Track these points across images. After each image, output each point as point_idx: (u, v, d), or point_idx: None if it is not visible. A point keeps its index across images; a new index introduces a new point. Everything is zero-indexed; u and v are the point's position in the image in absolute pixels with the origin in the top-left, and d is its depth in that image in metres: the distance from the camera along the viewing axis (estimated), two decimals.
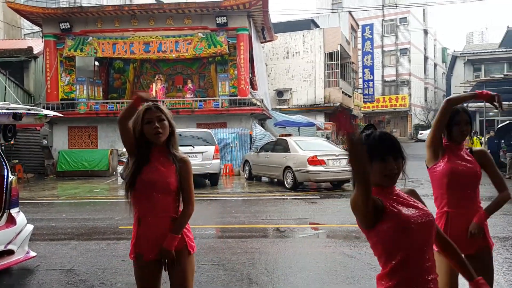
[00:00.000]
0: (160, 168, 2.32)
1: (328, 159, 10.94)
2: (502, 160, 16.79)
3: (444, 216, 2.59)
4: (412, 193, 1.79)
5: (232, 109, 17.43)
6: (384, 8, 40.71)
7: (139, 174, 2.30)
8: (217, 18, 17.33)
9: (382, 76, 42.71)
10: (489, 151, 16.82)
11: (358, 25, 34.53)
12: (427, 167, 2.70)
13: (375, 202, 1.59)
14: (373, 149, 1.64)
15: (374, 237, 1.64)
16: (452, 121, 2.59)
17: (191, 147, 12.31)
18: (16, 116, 4.84)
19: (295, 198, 10.18)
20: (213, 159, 12.63)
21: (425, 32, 46.99)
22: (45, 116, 5.37)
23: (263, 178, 14.09)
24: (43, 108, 15.55)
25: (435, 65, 51.54)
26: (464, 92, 23.56)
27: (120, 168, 15.27)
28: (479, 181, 2.59)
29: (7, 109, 4.77)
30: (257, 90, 19.19)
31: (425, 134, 30.30)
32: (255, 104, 17.71)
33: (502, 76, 18.52)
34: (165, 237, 2.29)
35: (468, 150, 2.67)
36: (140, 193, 2.32)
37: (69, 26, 17.84)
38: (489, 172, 2.64)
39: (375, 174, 1.65)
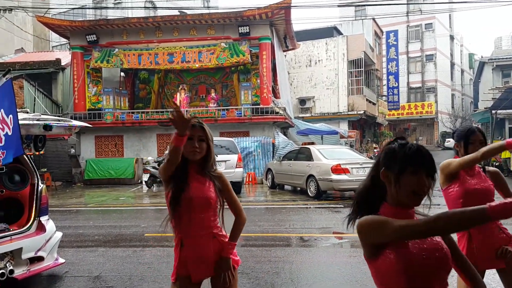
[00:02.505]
0: (199, 185, 2.35)
1: (352, 168, 10.82)
2: None
3: (466, 236, 2.63)
4: None
5: (255, 118, 17.49)
6: (409, 14, 40.18)
7: (182, 192, 2.31)
8: (239, 28, 17.50)
9: (408, 83, 42.03)
10: None
11: (382, 32, 34.18)
12: (442, 189, 2.75)
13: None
14: (407, 159, 1.48)
15: (374, 268, 1.51)
16: (468, 140, 2.69)
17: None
18: (47, 127, 4.98)
19: (318, 207, 10.09)
20: (236, 167, 12.69)
21: (451, 37, 46.09)
22: (74, 126, 5.51)
23: (286, 187, 14.03)
24: (71, 118, 16.00)
25: (462, 71, 50.41)
26: (492, 98, 22.92)
27: (145, 177, 15.52)
28: (493, 196, 2.64)
29: (38, 120, 4.93)
30: (280, 99, 19.21)
31: (452, 141, 29.45)
32: (277, 113, 17.72)
33: None
34: (210, 255, 2.32)
35: (481, 169, 2.75)
36: (180, 213, 2.32)
37: (95, 38, 18.35)
38: (500, 189, 2.73)
39: (402, 189, 1.48)
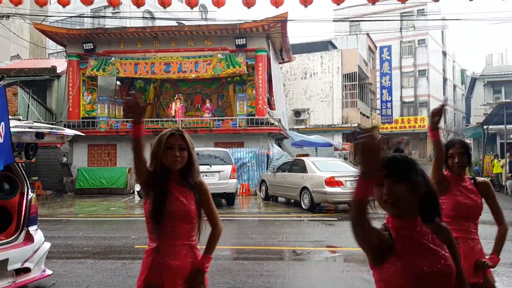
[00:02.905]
0: (179, 197, 2.28)
1: (345, 180, 10.79)
2: None
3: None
4: (446, 231, 1.57)
5: (250, 129, 17.48)
6: (402, 30, 40.70)
7: (165, 205, 2.24)
8: (236, 40, 17.58)
9: (401, 97, 42.40)
10: (510, 174, 16.43)
11: (376, 47, 34.56)
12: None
13: (382, 237, 1.44)
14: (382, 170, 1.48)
15: (377, 275, 1.50)
16: (447, 153, 2.76)
17: (208, 166, 12.34)
18: (39, 135, 4.92)
19: (312, 220, 10.03)
20: (230, 178, 12.61)
21: (444, 53, 46.70)
22: (67, 135, 5.45)
23: (280, 199, 13.97)
24: (64, 126, 15.89)
25: (454, 86, 50.95)
26: (484, 114, 23.12)
27: (137, 186, 15.39)
28: (481, 212, 2.72)
29: (30, 127, 4.87)
30: (275, 110, 19.24)
31: None
32: (272, 124, 17.73)
33: None
34: (186, 267, 2.25)
35: (472, 180, 2.78)
36: (160, 223, 2.25)
37: (92, 47, 18.32)
38: (489, 203, 2.79)
39: (378, 201, 1.50)
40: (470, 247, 2.63)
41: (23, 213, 4.81)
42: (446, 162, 2.76)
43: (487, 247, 2.74)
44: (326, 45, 28.97)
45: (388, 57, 34.99)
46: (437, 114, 2.67)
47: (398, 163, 1.49)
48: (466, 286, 1.61)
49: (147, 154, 2.32)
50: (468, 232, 2.66)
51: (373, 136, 1.28)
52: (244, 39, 17.55)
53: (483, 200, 2.74)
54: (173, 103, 19.27)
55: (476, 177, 2.84)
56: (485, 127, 20.55)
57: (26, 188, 4.97)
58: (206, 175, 12.27)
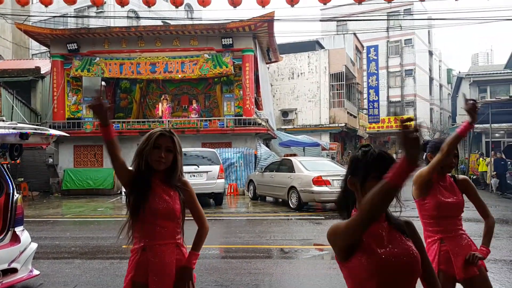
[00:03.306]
0: (164, 195, 2.28)
1: (333, 180, 10.89)
2: (509, 181, 16.61)
3: (438, 243, 2.70)
4: (408, 225, 1.64)
5: (237, 129, 17.50)
6: (389, 30, 41.13)
7: (144, 201, 2.23)
8: (222, 40, 17.57)
9: (388, 96, 42.83)
10: (495, 172, 16.77)
11: (363, 47, 34.85)
12: (415, 200, 2.82)
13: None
14: (369, 165, 1.53)
15: (345, 271, 1.55)
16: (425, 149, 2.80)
17: (196, 167, 12.34)
18: (23, 135, 4.88)
19: (299, 219, 10.10)
20: (217, 178, 12.62)
21: (430, 53, 47.31)
22: (52, 135, 5.42)
23: (268, 198, 14.02)
24: (50, 127, 15.71)
25: (441, 86, 51.65)
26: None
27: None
28: (463, 209, 2.77)
29: (14, 128, 4.83)
30: (262, 110, 19.29)
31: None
32: (260, 124, 17.78)
33: (508, 97, 18.50)
34: (173, 263, 2.27)
35: (452, 179, 2.84)
36: (145, 221, 2.25)
37: (76, 47, 18.13)
38: (472, 199, 2.84)
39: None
40: (457, 244, 2.66)
41: (9, 214, 4.77)
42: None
43: (475, 244, 2.78)
44: (313, 45, 29.13)
45: (375, 57, 35.30)
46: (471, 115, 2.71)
47: (388, 161, 1.52)
48: (435, 278, 1.67)
49: (127, 156, 2.32)
50: (453, 230, 2.70)
51: (412, 128, 1.30)
52: (230, 39, 17.56)
53: (464, 197, 2.80)
54: (160, 104, 19.18)
55: (455, 175, 2.88)
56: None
57: (11, 189, 4.93)
58: (194, 175, 12.27)
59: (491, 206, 2.54)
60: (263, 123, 18.11)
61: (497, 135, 22.93)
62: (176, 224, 2.31)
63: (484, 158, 18.98)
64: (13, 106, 16.85)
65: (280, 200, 12.88)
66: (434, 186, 2.73)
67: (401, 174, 1.31)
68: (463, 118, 27.97)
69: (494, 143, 20.24)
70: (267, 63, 22.44)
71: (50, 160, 17.54)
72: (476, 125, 20.88)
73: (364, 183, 1.53)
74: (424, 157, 2.88)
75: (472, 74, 30.77)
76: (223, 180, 12.98)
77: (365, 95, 35.36)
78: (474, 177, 19.39)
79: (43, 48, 22.65)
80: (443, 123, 46.75)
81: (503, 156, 17.46)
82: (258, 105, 19.50)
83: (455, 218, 2.73)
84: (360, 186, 1.56)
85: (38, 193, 16.82)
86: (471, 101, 2.70)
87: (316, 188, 10.80)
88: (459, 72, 36.50)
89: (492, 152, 17.86)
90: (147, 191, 2.25)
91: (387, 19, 37.07)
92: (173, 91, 21.04)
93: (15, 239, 4.75)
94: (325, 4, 11.72)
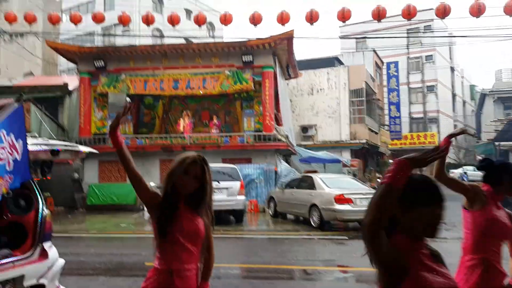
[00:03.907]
0: (190, 217, 2.27)
1: (355, 198, 10.72)
2: None
3: (481, 263, 2.57)
4: (437, 252, 1.62)
5: (257, 145, 17.55)
6: (409, 46, 40.86)
7: (173, 222, 2.21)
8: (243, 57, 17.80)
9: (409, 113, 42.33)
10: None
11: (382, 63, 34.71)
12: (466, 209, 2.71)
13: (397, 257, 1.45)
14: (426, 192, 1.52)
15: None
16: (509, 174, 2.67)
17: (216, 183, 12.38)
18: (54, 152, 5.02)
19: (322, 238, 9.97)
20: (238, 195, 12.58)
21: (452, 69, 46.70)
22: (81, 152, 5.55)
23: (289, 216, 13.88)
24: (76, 142, 16.07)
25: (464, 102, 50.80)
26: (495, 130, 22.88)
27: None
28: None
29: (46, 145, 4.98)
30: (282, 126, 19.33)
31: (456, 173, 29.36)
32: (280, 140, 17.80)
33: None
34: None
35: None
36: (173, 243, 2.21)
37: (103, 64, 18.64)
38: None
39: (417, 222, 1.51)
40: (499, 268, 2.57)
41: (38, 230, 4.88)
42: (501, 180, 2.68)
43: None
44: (332, 61, 29.17)
45: (395, 73, 35.09)
46: None
47: (441, 190, 1.55)
48: None
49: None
50: (499, 251, 2.60)
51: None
52: (251, 56, 17.77)
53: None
54: (181, 119, 19.45)
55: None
56: (496, 143, 20.45)
57: (41, 204, 5.05)
58: (215, 191, 12.21)
59: None
60: (283, 139, 18.11)
61: None
62: (200, 247, 2.30)
63: None
64: (41, 121, 17.33)
65: (301, 218, 12.74)
66: (488, 201, 2.65)
67: (398, 171, 1.41)
68: (487, 135, 27.37)
69: None
70: (286, 79, 22.55)
71: (76, 175, 17.88)
72: (502, 143, 20.49)
73: (413, 210, 1.54)
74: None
75: (496, 91, 30.27)
76: (243, 197, 12.95)
77: (386, 111, 35.05)
78: None
79: (71, 65, 23.36)
80: (468, 140, 45.79)
81: None
82: (277, 121, 19.56)
83: (505, 241, 2.63)
84: (408, 212, 1.55)
85: (63, 208, 17.12)
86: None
87: (338, 207, 10.63)
88: (483, 89, 35.90)
89: None
90: (176, 212, 2.24)
91: (407, 36, 36.85)
92: (194, 106, 21.31)
93: (44, 254, 4.84)
94: (344, 22, 11.82)
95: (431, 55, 41.91)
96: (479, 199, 2.65)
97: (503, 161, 2.86)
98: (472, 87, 53.99)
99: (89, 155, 17.54)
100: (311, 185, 12.01)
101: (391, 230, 1.56)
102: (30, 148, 4.62)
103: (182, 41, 21.42)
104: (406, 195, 1.52)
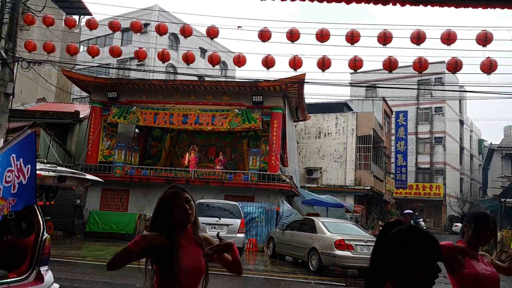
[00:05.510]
0: (190, 254, 2.25)
1: (356, 244, 10.61)
2: None
3: None
4: None
5: (261, 184, 17.58)
6: (419, 97, 41.37)
7: (177, 259, 2.19)
8: (253, 97, 18.18)
9: (416, 162, 42.22)
10: None
11: (391, 111, 35.09)
12: (450, 273, 2.68)
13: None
14: (426, 247, 1.50)
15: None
16: (483, 226, 2.66)
17: (217, 219, 12.37)
18: (61, 178, 5.16)
19: (319, 283, 9.81)
20: (238, 232, 12.55)
21: (461, 122, 46.95)
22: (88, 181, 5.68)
23: (287, 257, 13.71)
24: (82, 169, 16.26)
25: (471, 156, 50.67)
26: (501, 186, 22.68)
27: (145, 233, 15.36)
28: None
29: (53, 171, 5.13)
30: (287, 167, 19.41)
31: (459, 226, 28.81)
32: (284, 181, 17.82)
33: None
34: None
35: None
36: (175, 280, 2.18)
37: (116, 95, 19.13)
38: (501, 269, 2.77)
39: (419, 273, 1.48)
40: None
41: (36, 253, 4.93)
42: (478, 234, 2.67)
43: None
44: (341, 107, 29.55)
45: (404, 122, 35.38)
46: None
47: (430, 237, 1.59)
48: None
49: None
50: None
51: None
52: (261, 97, 18.14)
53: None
54: (187, 153, 19.64)
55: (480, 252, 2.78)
56: (502, 200, 20.26)
57: (42, 228, 5.13)
58: (215, 227, 12.26)
59: None
60: (287, 180, 18.14)
61: None
62: (200, 281, 2.28)
63: None
64: (49, 146, 17.62)
65: (300, 260, 12.56)
66: (466, 258, 2.63)
67: None
68: (493, 191, 27.11)
69: None
70: (294, 121, 22.85)
71: (78, 201, 17.95)
72: (508, 199, 20.24)
73: (413, 263, 1.53)
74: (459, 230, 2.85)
75: (504, 147, 30.26)
76: (243, 235, 12.89)
77: (393, 160, 35.05)
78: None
79: (84, 94, 23.95)
80: (474, 194, 45.33)
81: None
82: (283, 161, 19.67)
83: None
84: (410, 265, 1.54)
85: (62, 233, 17.07)
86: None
87: (338, 252, 10.50)
88: (491, 144, 35.94)
89: None
90: (177, 249, 2.22)
91: (417, 88, 37.37)
92: (202, 142, 21.57)
93: (39, 278, 4.87)
94: (355, 70, 12.13)
95: (441, 107, 42.25)
96: (455, 260, 2.62)
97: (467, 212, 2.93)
98: (480, 141, 54.02)
99: (93, 182, 17.72)
100: (312, 228, 11.92)
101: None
102: (38, 173, 4.77)
103: (195, 78, 22.00)
104: (396, 249, 1.52)
